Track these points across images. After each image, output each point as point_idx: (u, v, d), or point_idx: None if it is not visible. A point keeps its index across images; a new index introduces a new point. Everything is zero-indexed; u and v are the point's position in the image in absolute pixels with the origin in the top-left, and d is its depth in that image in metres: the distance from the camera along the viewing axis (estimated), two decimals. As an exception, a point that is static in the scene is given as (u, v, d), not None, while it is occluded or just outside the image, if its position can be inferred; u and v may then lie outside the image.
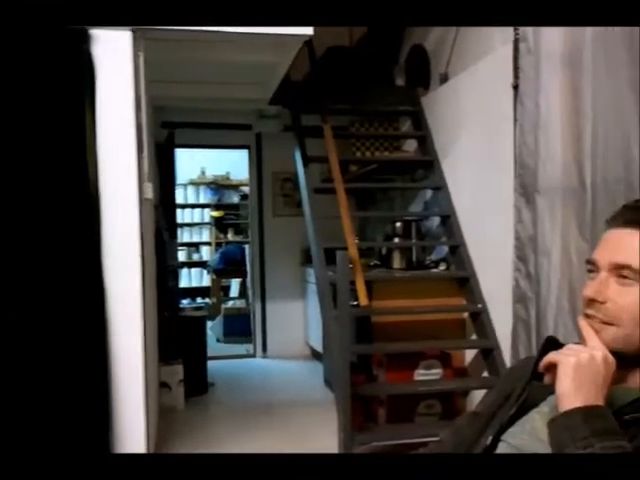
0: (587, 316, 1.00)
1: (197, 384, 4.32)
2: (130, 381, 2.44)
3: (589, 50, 2.28)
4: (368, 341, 3.45)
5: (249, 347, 5.74)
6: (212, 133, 5.25)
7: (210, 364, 4.62)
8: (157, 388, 3.71)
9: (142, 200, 2.53)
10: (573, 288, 2.36)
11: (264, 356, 5.56)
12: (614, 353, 0.95)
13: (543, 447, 0.94)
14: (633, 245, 0.97)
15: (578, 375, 0.91)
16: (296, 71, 3.81)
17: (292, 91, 3.95)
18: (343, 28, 4.29)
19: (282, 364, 5.33)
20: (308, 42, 3.32)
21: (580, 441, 0.86)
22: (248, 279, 6.30)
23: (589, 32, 2.27)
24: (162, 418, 3.68)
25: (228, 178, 7.81)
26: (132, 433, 2.45)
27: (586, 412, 0.89)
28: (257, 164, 5.52)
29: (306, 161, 3.80)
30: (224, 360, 5.44)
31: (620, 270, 0.97)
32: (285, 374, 5.05)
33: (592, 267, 1.02)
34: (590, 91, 2.27)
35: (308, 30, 2.79)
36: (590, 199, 2.27)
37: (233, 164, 7.37)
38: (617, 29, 2.11)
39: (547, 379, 0.97)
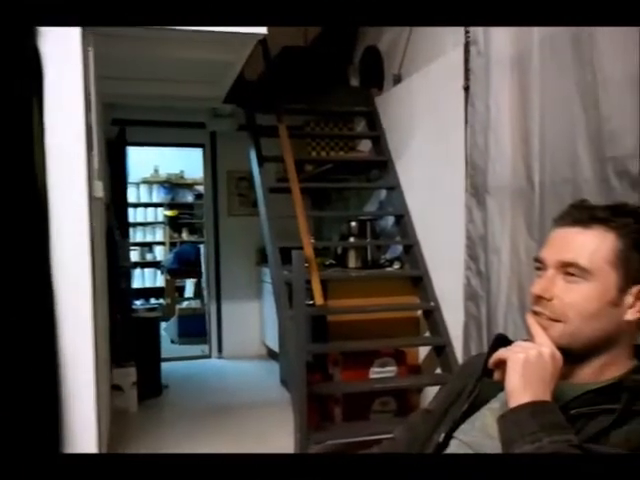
0: (535, 313, 1.02)
1: (151, 386, 4.26)
2: (81, 384, 2.38)
3: (537, 53, 2.34)
4: (324, 340, 3.46)
5: (204, 348, 5.68)
6: (165, 131, 5.18)
7: (164, 366, 4.55)
8: (109, 391, 3.63)
9: (92, 199, 2.48)
10: (522, 285, 2.42)
11: (220, 357, 5.51)
12: (561, 349, 0.97)
13: (493, 443, 0.95)
14: (579, 243, 1.00)
15: (526, 371, 0.93)
16: (251, 70, 3.78)
17: (246, 90, 3.92)
18: (298, 28, 4.29)
19: (238, 364, 5.29)
20: (262, 41, 3.31)
21: (529, 436, 0.88)
22: (203, 279, 6.23)
23: (537, 35, 2.33)
24: (115, 421, 3.60)
25: (182, 177, 7.71)
26: (83, 437, 2.39)
27: (534, 407, 0.91)
28: (212, 163, 5.47)
29: (261, 160, 3.79)
30: (179, 361, 5.37)
31: (566, 268, 1.00)
32: (241, 374, 5.02)
33: (540, 265, 1.05)
34: (538, 93, 2.33)
35: (262, 29, 2.77)
36: (538, 199, 2.33)
37: (187, 163, 7.28)
38: (564, 32, 2.17)
39: (497, 375, 0.99)
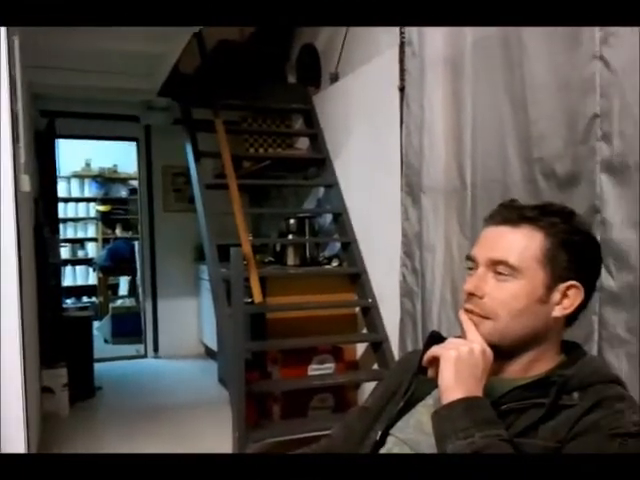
0: (467, 310, 1.04)
1: (83, 388, 4.13)
2: (7, 386, 2.28)
3: (469, 55, 2.39)
4: (263, 338, 3.45)
5: (139, 347, 5.55)
6: (97, 124, 5.01)
7: (97, 366, 4.42)
8: (39, 393, 3.50)
9: (18, 193, 2.38)
10: (455, 282, 2.49)
11: (156, 356, 5.40)
12: (491, 346, 1.00)
13: (428, 440, 0.97)
14: (509, 242, 1.02)
15: (459, 368, 0.95)
16: (186, 63, 3.72)
17: (182, 83, 3.85)
18: (234, 22, 4.23)
19: (175, 364, 5.20)
20: (198, 34, 3.26)
21: (461, 432, 0.91)
22: (138, 276, 6.08)
23: (469, 38, 2.38)
24: (45, 425, 3.48)
25: (116, 171, 7.49)
26: (11, 442, 2.29)
27: (467, 403, 0.93)
28: (146, 157, 5.34)
29: (198, 156, 3.73)
30: (113, 362, 5.23)
31: (496, 266, 1.02)
32: (178, 374, 4.94)
33: (471, 263, 1.07)
34: (470, 95, 2.39)
35: (197, 23, 2.73)
36: (470, 198, 2.39)
37: (121, 157, 7.08)
38: (494, 35, 2.24)
39: (430, 373, 1.01)
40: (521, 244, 1.01)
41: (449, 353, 0.97)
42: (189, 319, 5.41)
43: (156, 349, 5.42)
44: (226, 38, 4.21)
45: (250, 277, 3.16)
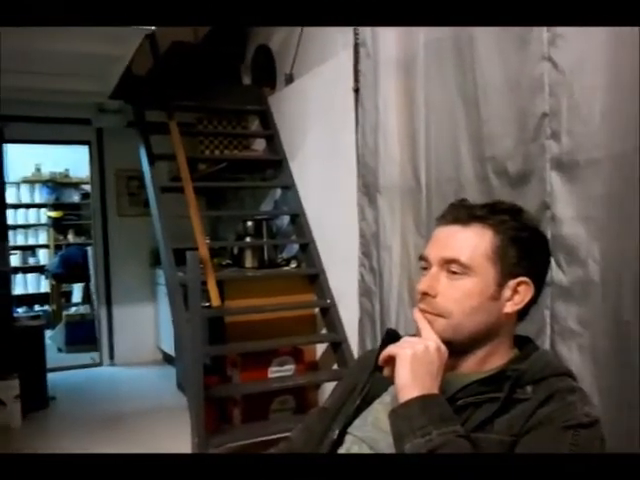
0: (421, 310, 1.05)
1: (36, 399, 4.00)
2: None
3: (422, 56, 2.42)
4: (222, 342, 3.42)
5: (95, 355, 5.41)
6: (47, 127, 4.87)
7: (51, 376, 4.29)
8: (-12, 407, 3.38)
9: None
10: (412, 281, 2.51)
11: (112, 364, 5.28)
12: (445, 342, 1.01)
13: (386, 437, 0.97)
14: (460, 241, 1.03)
15: (414, 366, 0.96)
16: (139, 64, 3.65)
17: (135, 85, 3.78)
18: (188, 23, 4.19)
19: (132, 371, 5.09)
20: (150, 35, 3.21)
21: (418, 430, 0.91)
22: (92, 283, 5.95)
23: (422, 39, 2.41)
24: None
25: (67, 176, 7.29)
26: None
27: (423, 401, 0.94)
28: (99, 161, 5.21)
29: (152, 159, 3.67)
30: (67, 371, 5.07)
31: (449, 265, 1.03)
32: (135, 381, 4.84)
33: (424, 263, 1.08)
34: (423, 95, 2.42)
35: (149, 24, 2.68)
36: (425, 198, 2.42)
37: (72, 161, 6.88)
38: (446, 37, 2.27)
39: (386, 372, 1.02)
40: (472, 242, 1.03)
41: (404, 352, 0.97)
42: (146, 325, 5.30)
43: (112, 357, 5.30)
44: (180, 39, 4.16)
45: (207, 281, 3.12)
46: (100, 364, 5.32)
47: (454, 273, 1.03)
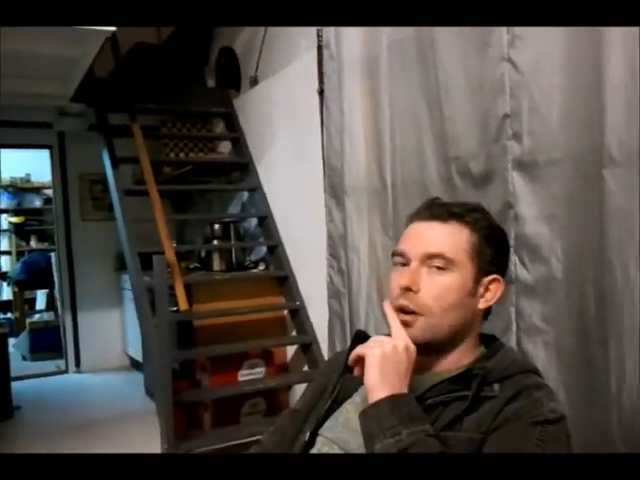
0: (401, 306, 1.04)
1: (0, 409, 3.91)
2: None
3: (385, 57, 2.43)
4: (191, 346, 3.38)
5: (60, 363, 5.31)
6: (6, 131, 4.73)
7: (15, 385, 4.20)
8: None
9: None
10: (381, 282, 2.53)
11: (78, 371, 5.18)
12: (425, 342, 1.02)
13: (357, 438, 0.98)
14: (442, 236, 1.05)
15: (383, 366, 0.96)
16: (101, 67, 3.60)
17: (97, 88, 3.72)
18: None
19: (98, 378, 5.01)
20: (112, 37, 3.16)
21: (388, 430, 0.91)
22: (56, 289, 5.83)
23: (385, 40, 2.42)
24: (-43, 452, 3.27)
25: (28, 180, 7.13)
26: None
27: (392, 401, 0.94)
28: (61, 165, 5.11)
29: (116, 162, 3.62)
30: (32, 379, 4.97)
31: (432, 260, 1.04)
32: (102, 388, 4.76)
33: (401, 259, 1.07)
34: (387, 97, 2.43)
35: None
36: (391, 199, 2.43)
37: (34, 165, 6.74)
38: (409, 37, 2.29)
39: (356, 372, 1.01)
40: (453, 238, 1.05)
41: (373, 352, 0.97)
42: (112, 331, 5.22)
43: (78, 364, 5.20)
44: (142, 41, 4.11)
45: (175, 285, 3.09)
46: (66, 371, 5.22)
47: (437, 268, 1.03)
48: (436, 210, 1.07)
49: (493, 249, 1.06)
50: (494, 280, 1.06)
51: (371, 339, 1.02)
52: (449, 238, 1.04)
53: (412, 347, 1.00)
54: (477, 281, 1.05)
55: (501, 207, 1.90)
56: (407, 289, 1.04)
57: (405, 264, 1.06)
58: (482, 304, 1.06)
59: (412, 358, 0.99)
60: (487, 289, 1.06)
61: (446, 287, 1.03)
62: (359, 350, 1.00)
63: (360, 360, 1.00)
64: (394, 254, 1.09)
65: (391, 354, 0.97)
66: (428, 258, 1.04)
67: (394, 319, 1.02)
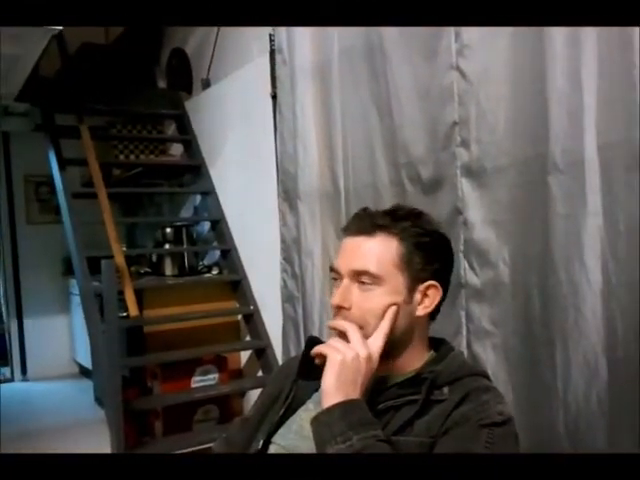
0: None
1: (-60, 421, 3.76)
2: None
3: (336, 64, 2.44)
4: (141, 352, 3.32)
5: (5, 371, 5.14)
6: (-54, 131, 4.59)
7: (-44, 396, 4.06)
8: None
9: None
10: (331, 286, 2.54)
11: (24, 379, 5.04)
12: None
13: (309, 445, 0.98)
14: (367, 251, 1.04)
15: (342, 372, 0.96)
16: (48, 66, 3.50)
17: (43, 87, 3.62)
18: (98, 24, 4.06)
19: (46, 386, 4.87)
20: (58, 36, 3.08)
21: (339, 436, 0.92)
22: (0, 294, 5.64)
23: (336, 47, 2.43)
24: None
25: (-30, 182, 6.88)
26: None
27: (344, 407, 0.94)
28: (5, 166, 4.97)
29: (62, 163, 3.52)
30: (-25, 389, 4.81)
31: (359, 276, 1.04)
32: (50, 396, 4.63)
33: (335, 275, 1.08)
34: (339, 102, 2.44)
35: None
36: (344, 203, 2.44)
37: (-24, 166, 6.51)
38: (359, 45, 2.30)
39: (317, 361, 1.01)
40: (378, 252, 1.04)
41: (335, 356, 0.98)
42: (60, 337, 5.09)
43: (24, 371, 5.06)
44: (90, 41, 4.02)
45: (124, 290, 3.03)
46: (11, 380, 5.08)
47: (365, 284, 1.04)
48: (362, 223, 1.07)
49: (424, 256, 1.05)
50: (430, 286, 1.07)
51: (333, 339, 1.02)
52: (374, 253, 1.04)
53: (375, 358, 1.00)
54: (411, 289, 1.05)
55: (450, 212, 1.94)
56: (339, 307, 1.05)
57: (337, 279, 1.07)
58: (420, 311, 1.06)
59: (372, 369, 1.00)
60: (425, 295, 1.06)
61: (376, 301, 1.03)
62: (322, 348, 1.01)
63: (322, 357, 1.00)
64: (330, 270, 1.10)
65: (351, 362, 0.97)
66: (356, 275, 1.04)
67: (355, 333, 1.01)
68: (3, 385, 5.00)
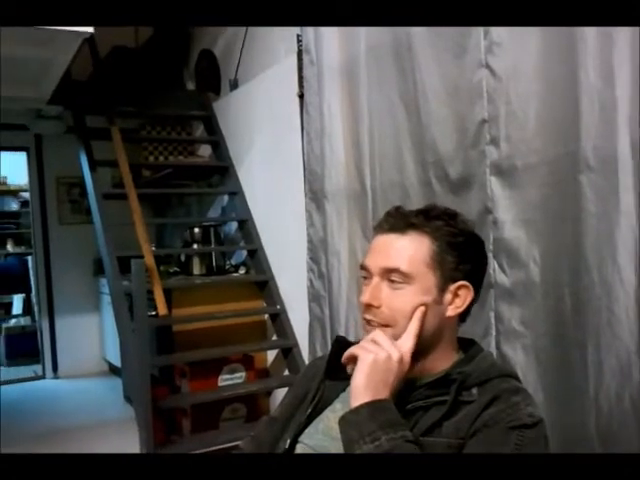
0: (366, 320, 1.06)
1: (-25, 416, 3.85)
2: None
3: (364, 63, 2.44)
4: (170, 351, 3.35)
5: (37, 368, 5.24)
6: (-18, 134, 4.69)
7: (-10, 391, 4.15)
8: None
9: None
10: (360, 285, 2.53)
11: (55, 377, 5.12)
12: None
13: (337, 445, 0.97)
14: (398, 249, 1.04)
15: (372, 372, 0.96)
16: (79, 69, 3.56)
17: (75, 91, 3.69)
18: (129, 27, 4.12)
19: (76, 383, 4.94)
20: (90, 40, 3.13)
21: (368, 436, 0.91)
22: (33, 294, 5.76)
23: (363, 45, 2.43)
24: None
25: (4, 183, 7.00)
26: None
27: (372, 407, 0.94)
28: (38, 168, 5.05)
29: (93, 165, 3.58)
30: (8, 385, 4.90)
31: (389, 274, 1.03)
32: (80, 394, 4.69)
33: (365, 273, 1.08)
34: (366, 101, 2.44)
35: (88, 28, 2.62)
36: (370, 202, 2.44)
37: (10, 168, 6.63)
38: (386, 44, 2.30)
39: (349, 369, 1.01)
40: (410, 251, 1.03)
41: (367, 356, 0.97)
42: (90, 336, 5.16)
43: (55, 369, 5.14)
44: (121, 44, 4.08)
45: (154, 289, 3.07)
46: (43, 377, 5.16)
47: (395, 282, 1.03)
48: (394, 221, 1.06)
49: (457, 256, 1.04)
50: (462, 286, 1.05)
51: (365, 339, 1.01)
52: (405, 251, 1.03)
53: (406, 360, 0.99)
54: (442, 289, 1.04)
55: (480, 212, 1.92)
56: (369, 305, 1.04)
57: (367, 277, 1.07)
58: (451, 311, 1.05)
59: (403, 371, 0.99)
60: (456, 295, 1.05)
61: (406, 300, 1.02)
62: (354, 350, 1.00)
63: (353, 359, 1.00)
64: (360, 267, 1.09)
65: (383, 362, 0.97)
66: (386, 273, 1.04)
67: (383, 337, 1.00)
68: (34, 382, 5.10)
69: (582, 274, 1.64)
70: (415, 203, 2.08)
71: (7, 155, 5.94)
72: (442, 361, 1.07)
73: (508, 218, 1.85)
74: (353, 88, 2.50)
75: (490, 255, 1.87)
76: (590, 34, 1.58)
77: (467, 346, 1.12)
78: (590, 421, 1.61)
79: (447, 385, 1.01)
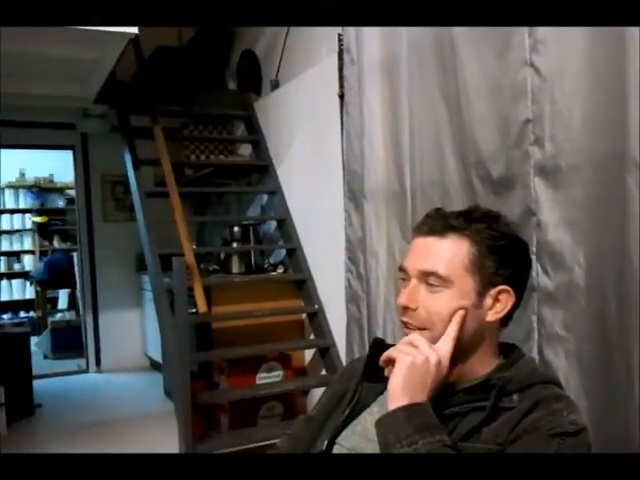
0: (403, 323, 1.05)
1: (21, 406, 3.96)
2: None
3: (405, 61, 2.41)
4: (209, 348, 3.40)
5: (81, 362, 5.37)
6: (31, 132, 4.82)
7: (36, 383, 4.25)
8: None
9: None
10: (398, 287, 2.51)
11: (98, 371, 5.24)
12: None
13: (373, 447, 0.97)
14: (437, 252, 1.02)
15: (410, 374, 0.95)
16: (123, 70, 3.64)
17: (119, 90, 3.76)
18: (172, 28, 4.18)
19: (118, 378, 5.05)
20: (134, 40, 3.19)
21: (404, 439, 0.91)
22: (78, 289, 5.90)
23: (405, 43, 2.41)
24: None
25: (52, 181, 7.24)
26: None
27: (410, 410, 0.93)
28: (84, 166, 5.18)
29: (137, 164, 3.65)
30: (53, 378, 5.05)
31: (427, 277, 1.02)
32: (122, 388, 4.80)
33: (403, 275, 1.07)
34: (406, 101, 2.42)
35: (133, 28, 2.67)
36: (410, 202, 2.42)
37: (57, 166, 6.85)
38: (428, 41, 2.27)
39: (387, 372, 1.00)
40: (448, 254, 1.02)
41: (405, 358, 0.97)
42: (132, 331, 5.27)
43: (98, 363, 5.27)
44: (164, 44, 4.14)
45: (194, 287, 3.11)
46: (86, 371, 5.28)
47: (433, 285, 1.02)
48: (434, 223, 1.05)
49: (497, 260, 1.02)
50: (502, 291, 1.03)
51: (402, 342, 1.01)
52: (444, 254, 1.02)
53: (445, 364, 0.98)
54: (482, 293, 1.02)
55: (523, 213, 1.88)
56: (406, 307, 1.03)
57: (405, 279, 1.06)
58: (491, 316, 1.03)
59: (441, 374, 0.98)
60: (496, 300, 1.03)
61: (445, 303, 1.01)
62: (392, 352, 1.00)
63: (391, 362, 0.99)
64: (399, 269, 1.08)
65: (420, 365, 0.96)
66: (424, 275, 1.03)
67: (422, 341, 0.99)
68: (78, 376, 5.23)
69: (627, 277, 1.59)
70: (455, 204, 2.05)
71: (54, 153, 6.13)
72: (482, 366, 1.05)
73: (552, 220, 1.81)
74: (394, 86, 2.48)
75: (533, 258, 1.83)
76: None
77: (508, 351, 1.10)
78: (635, 427, 1.56)
79: (487, 390, 0.99)
